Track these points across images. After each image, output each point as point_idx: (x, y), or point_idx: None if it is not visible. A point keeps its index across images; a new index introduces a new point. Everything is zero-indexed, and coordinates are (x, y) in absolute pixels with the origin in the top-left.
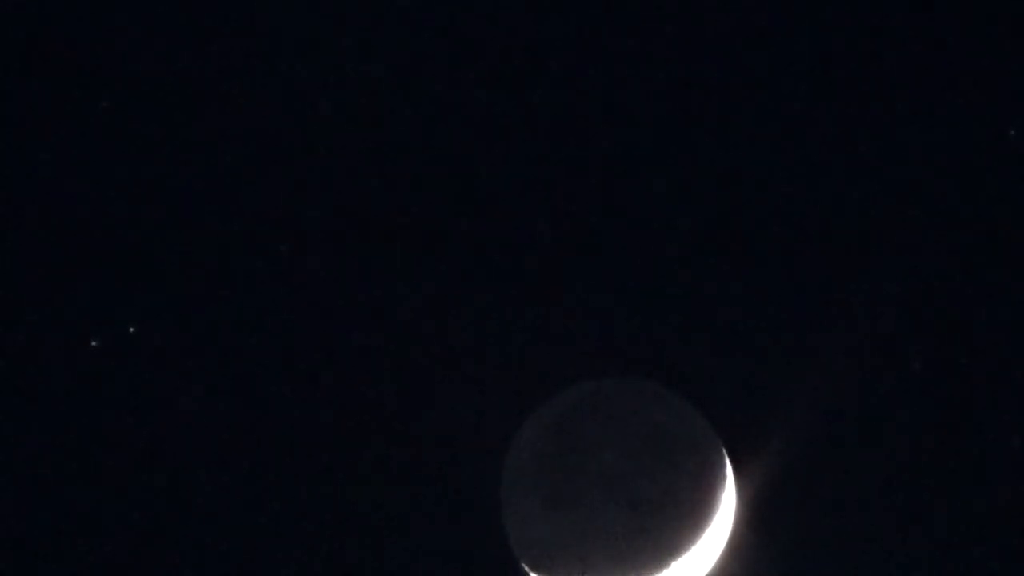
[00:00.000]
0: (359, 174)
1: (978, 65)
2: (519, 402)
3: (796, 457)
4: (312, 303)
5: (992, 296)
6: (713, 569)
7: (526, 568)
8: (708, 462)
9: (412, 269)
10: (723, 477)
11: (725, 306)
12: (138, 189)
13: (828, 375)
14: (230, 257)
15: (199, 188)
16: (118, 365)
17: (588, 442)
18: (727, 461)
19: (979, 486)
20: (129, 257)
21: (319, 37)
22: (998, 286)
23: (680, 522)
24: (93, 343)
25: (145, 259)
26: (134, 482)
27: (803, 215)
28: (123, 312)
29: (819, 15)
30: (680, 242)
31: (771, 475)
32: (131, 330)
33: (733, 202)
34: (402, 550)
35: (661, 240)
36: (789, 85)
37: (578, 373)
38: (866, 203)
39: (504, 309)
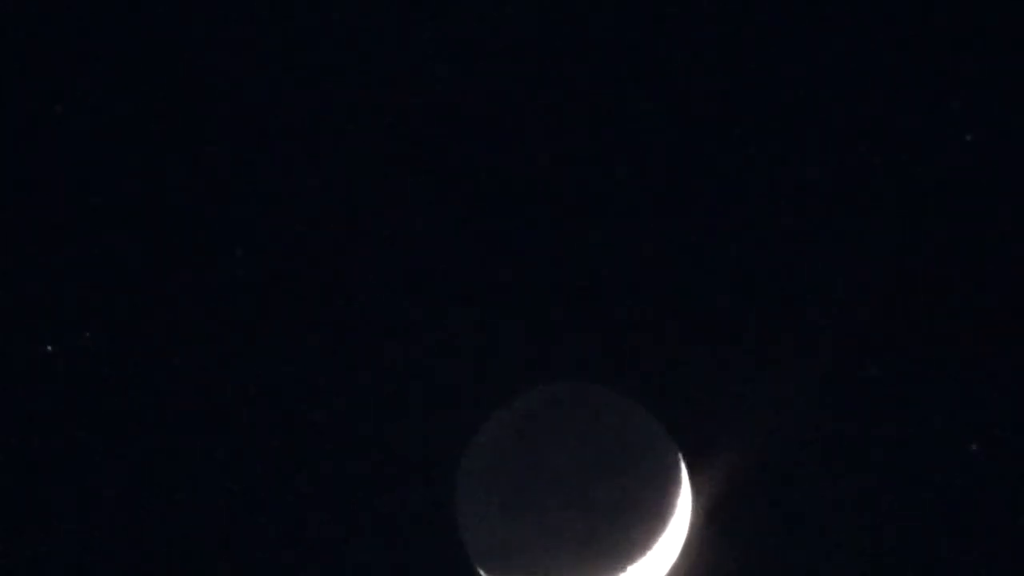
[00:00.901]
0: (316, 174)
1: (946, 67)
2: (475, 406)
3: (752, 461)
4: (268, 308)
5: (950, 300)
6: (669, 573)
7: (482, 573)
8: (664, 466)
9: (363, 269)
10: (679, 481)
11: (681, 311)
12: (95, 191)
13: (785, 379)
14: (187, 262)
15: (158, 190)
16: (72, 371)
17: (544, 446)
18: (683, 465)
19: (938, 491)
20: (84, 261)
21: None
22: (956, 290)
23: (636, 526)
24: (49, 348)
25: (100, 263)
26: (89, 490)
27: (759, 221)
28: (79, 317)
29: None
30: (638, 247)
31: (727, 479)
32: (87, 335)
33: (689, 209)
34: (354, 554)
35: (619, 245)
36: (744, 94)
37: (534, 377)
38: (823, 209)
39: (461, 313)
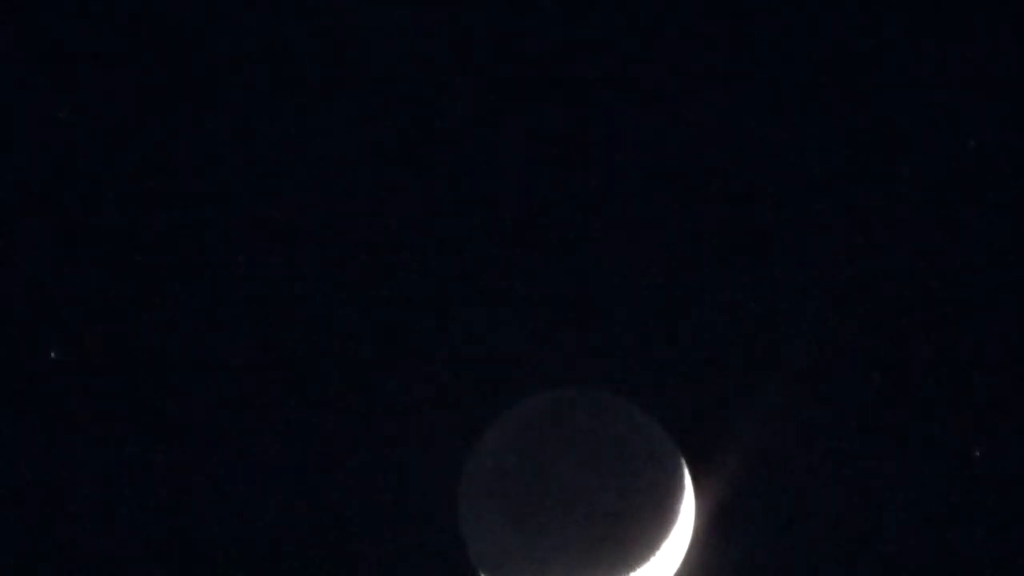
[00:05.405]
0: (317, 177)
1: (937, 74)
2: (478, 412)
3: (755, 467)
4: (271, 312)
5: (951, 306)
6: None
7: None
8: (667, 473)
9: (371, 271)
10: (682, 488)
11: (683, 317)
12: (98, 196)
13: (787, 386)
14: (189, 267)
15: (161, 195)
16: (75, 376)
17: (547, 453)
18: (686, 472)
19: (941, 496)
20: (87, 266)
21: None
22: (957, 296)
23: (639, 534)
24: (52, 355)
25: (103, 268)
26: (90, 494)
27: (761, 227)
28: (81, 323)
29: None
30: (640, 254)
31: (730, 487)
32: (89, 340)
33: (691, 211)
34: (356, 560)
35: (622, 252)
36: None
37: (537, 384)
38: (825, 216)
39: (465, 318)
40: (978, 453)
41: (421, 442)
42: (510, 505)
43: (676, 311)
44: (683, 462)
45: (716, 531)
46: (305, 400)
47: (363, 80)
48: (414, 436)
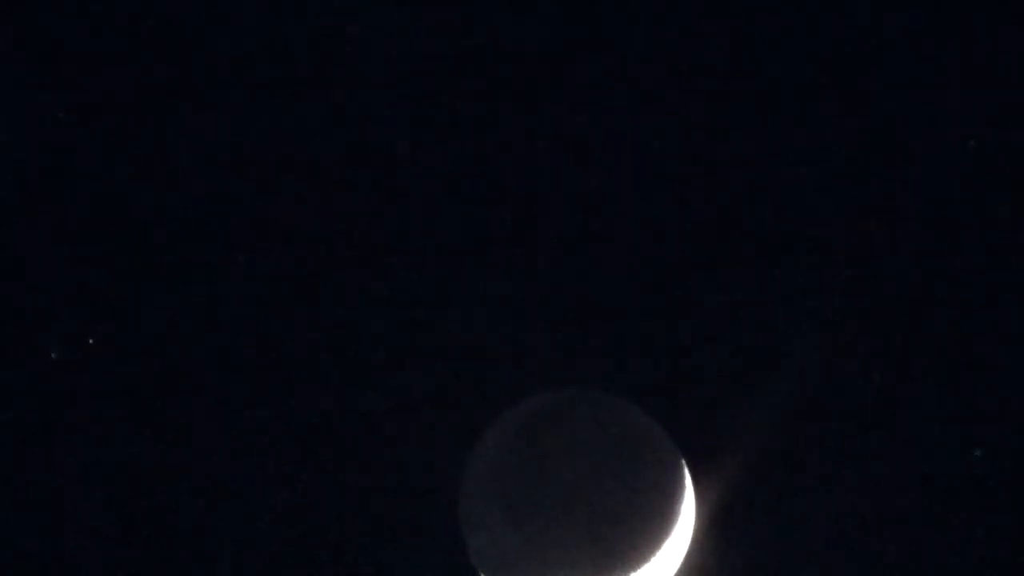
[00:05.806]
0: (317, 177)
1: (937, 74)
2: (478, 413)
3: (755, 467)
4: (271, 313)
5: (951, 306)
6: None
7: None
8: (667, 474)
9: (372, 271)
10: (682, 489)
11: (684, 318)
12: (99, 197)
13: (787, 386)
14: (190, 268)
15: (162, 196)
16: (77, 377)
17: (548, 453)
18: (687, 473)
19: (942, 497)
20: (89, 267)
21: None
22: (957, 296)
23: (639, 533)
24: (53, 355)
25: (104, 269)
26: (92, 496)
27: (762, 228)
28: (83, 323)
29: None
30: (641, 255)
31: (731, 488)
32: (90, 341)
33: (691, 217)
34: (356, 561)
35: (623, 252)
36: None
37: (537, 384)
38: (824, 217)
39: (465, 318)
40: (978, 453)
41: (421, 442)
42: (510, 505)
43: (676, 311)
44: (683, 462)
45: (716, 531)
46: (305, 400)
47: (364, 80)
48: (414, 436)
